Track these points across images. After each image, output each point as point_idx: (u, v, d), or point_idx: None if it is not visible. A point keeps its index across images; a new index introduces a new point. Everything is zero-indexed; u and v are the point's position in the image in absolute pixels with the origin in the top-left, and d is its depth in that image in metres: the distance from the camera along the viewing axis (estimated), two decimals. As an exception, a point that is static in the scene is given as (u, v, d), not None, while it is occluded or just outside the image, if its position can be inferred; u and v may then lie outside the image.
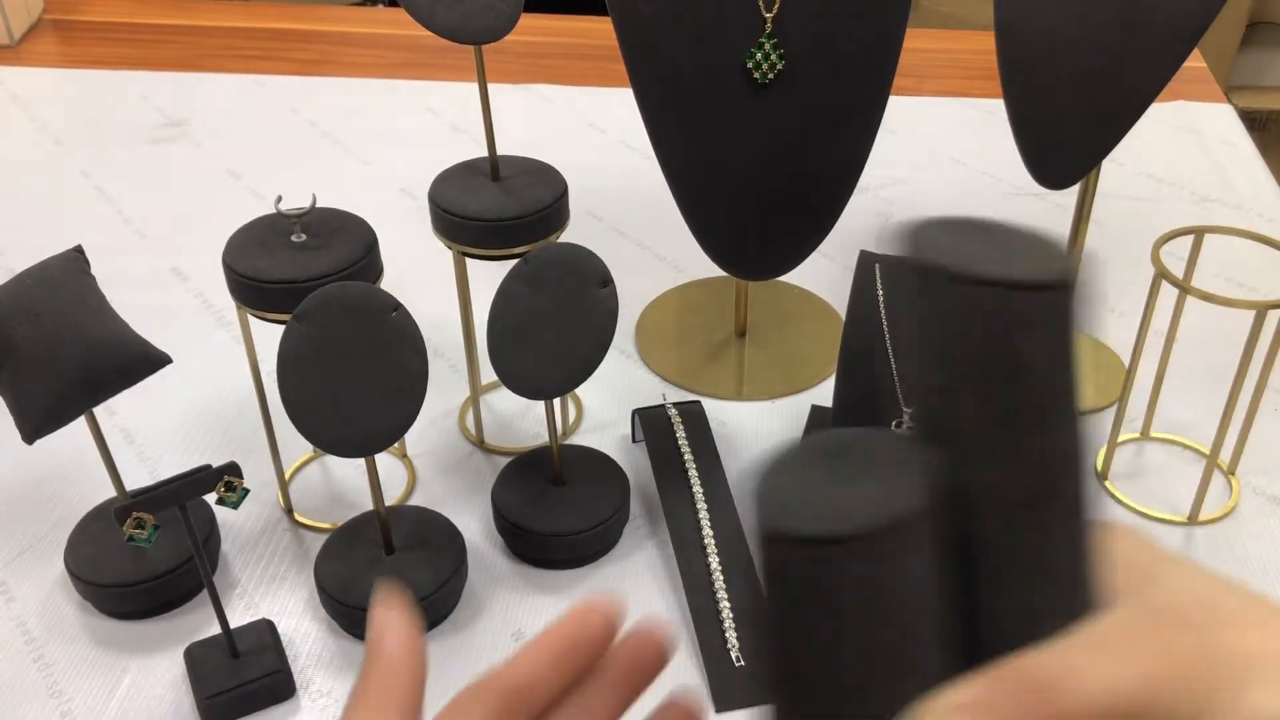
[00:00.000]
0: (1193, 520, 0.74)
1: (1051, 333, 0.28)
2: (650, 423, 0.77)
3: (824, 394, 0.85)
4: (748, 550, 0.70)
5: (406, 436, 0.77)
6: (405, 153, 1.15)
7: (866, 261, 0.76)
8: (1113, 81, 0.71)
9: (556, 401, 0.73)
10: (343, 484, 0.78)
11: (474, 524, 0.75)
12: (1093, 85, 0.71)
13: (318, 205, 0.69)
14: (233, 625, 0.65)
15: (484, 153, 0.74)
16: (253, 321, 0.69)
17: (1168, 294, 0.71)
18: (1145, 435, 0.81)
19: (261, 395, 0.73)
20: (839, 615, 0.27)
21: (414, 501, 0.77)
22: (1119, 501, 0.76)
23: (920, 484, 0.28)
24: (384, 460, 0.79)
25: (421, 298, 0.72)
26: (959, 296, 0.28)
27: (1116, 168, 1.10)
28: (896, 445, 0.30)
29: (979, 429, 0.29)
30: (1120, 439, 0.79)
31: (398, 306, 0.63)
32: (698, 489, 0.73)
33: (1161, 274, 0.69)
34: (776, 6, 0.71)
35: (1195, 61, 1.29)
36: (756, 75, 0.72)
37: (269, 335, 0.65)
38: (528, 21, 0.75)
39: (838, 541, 0.26)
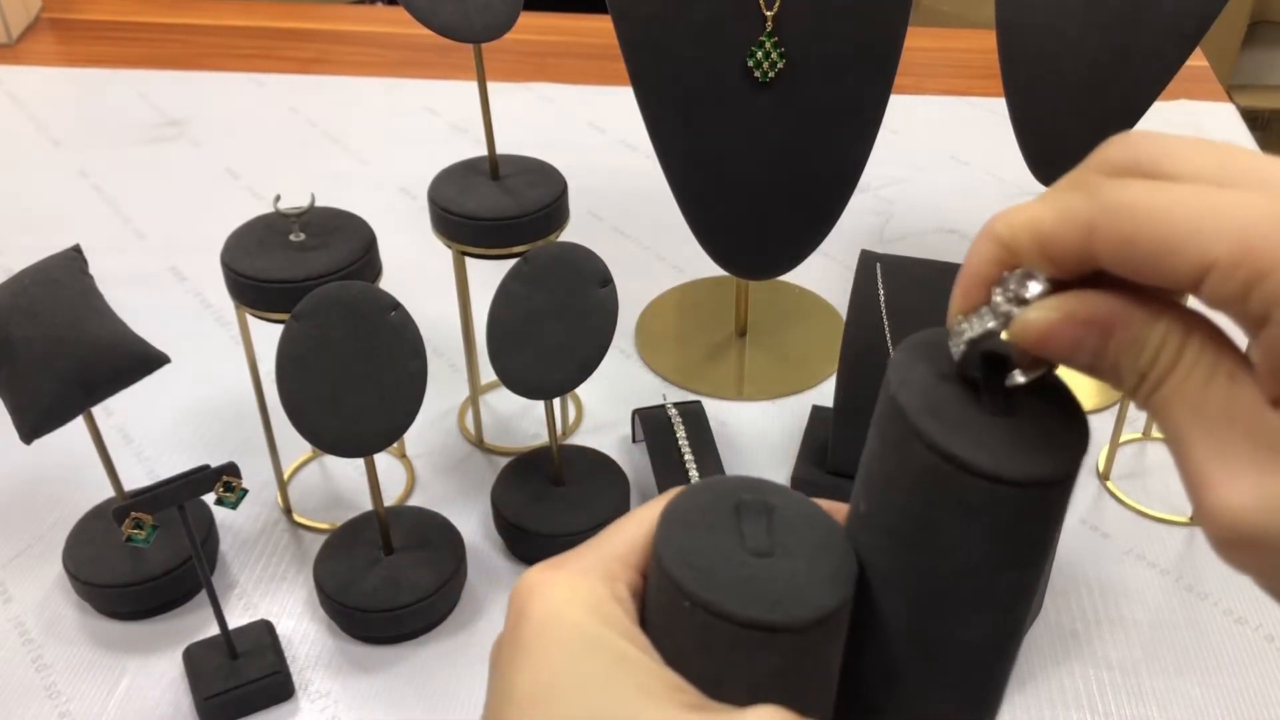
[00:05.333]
0: (1194, 521, 0.74)
1: (995, 526, 0.26)
2: (650, 423, 0.76)
3: (824, 394, 0.85)
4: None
5: (406, 436, 0.77)
6: (404, 152, 1.15)
7: (867, 261, 0.76)
8: (1114, 80, 0.71)
9: (556, 401, 0.73)
10: (342, 484, 0.78)
11: (473, 524, 0.74)
12: (1094, 84, 0.71)
13: (316, 204, 0.69)
14: (231, 626, 0.64)
15: (483, 152, 0.74)
16: (251, 321, 0.69)
17: (1170, 294, 0.71)
18: (1147, 435, 0.81)
19: (260, 395, 0.72)
20: (752, 689, 0.27)
21: (413, 502, 0.77)
22: (1120, 501, 0.76)
23: (847, 574, 0.28)
24: (383, 460, 0.79)
25: (421, 297, 0.72)
26: (919, 459, 0.27)
27: (1118, 167, 1.10)
28: (803, 511, 0.30)
29: (886, 572, 0.29)
30: (1122, 439, 0.78)
31: (397, 306, 0.62)
32: (698, 489, 0.73)
33: (1163, 273, 0.69)
34: (777, 5, 0.70)
35: (1197, 60, 1.29)
36: (757, 74, 0.72)
37: (268, 335, 0.65)
38: (528, 20, 0.74)
39: (772, 629, 0.27)
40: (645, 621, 0.30)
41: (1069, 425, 0.27)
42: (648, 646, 0.29)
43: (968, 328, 0.27)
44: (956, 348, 0.27)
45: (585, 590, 0.30)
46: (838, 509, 0.32)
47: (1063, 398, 0.28)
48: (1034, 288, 0.26)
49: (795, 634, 0.27)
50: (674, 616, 0.28)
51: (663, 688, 0.27)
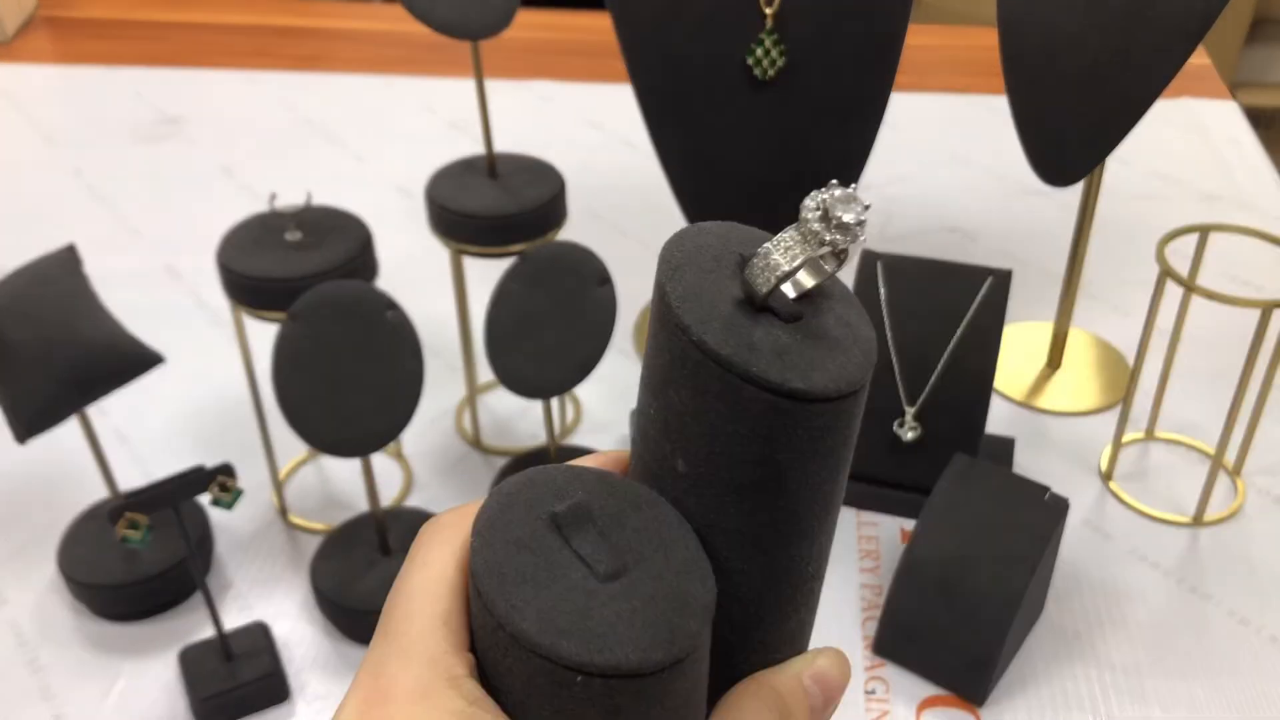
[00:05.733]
0: (1197, 521, 0.74)
1: (836, 440, 0.26)
2: (649, 423, 0.76)
3: (825, 393, 0.84)
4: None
5: (403, 437, 0.76)
6: (402, 150, 1.14)
7: (868, 260, 0.75)
8: (1116, 78, 0.70)
9: (555, 401, 0.73)
10: (338, 485, 0.78)
11: (471, 525, 0.74)
12: (1096, 82, 0.71)
13: (313, 203, 0.68)
14: (227, 627, 0.64)
15: (481, 150, 0.74)
16: (247, 320, 0.68)
17: (1173, 293, 0.70)
18: (1150, 435, 0.80)
19: (256, 395, 0.72)
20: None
21: (411, 502, 0.76)
22: (1124, 502, 0.75)
23: (705, 580, 0.26)
24: (380, 461, 0.79)
25: (418, 297, 0.72)
26: (754, 403, 0.25)
27: (1121, 165, 1.09)
28: (621, 496, 0.28)
29: (726, 526, 0.27)
30: (1125, 439, 0.78)
31: (394, 305, 0.62)
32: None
33: (1166, 272, 0.68)
34: (777, 2, 0.70)
35: (1199, 58, 1.28)
36: (756, 72, 0.71)
37: (264, 334, 0.65)
38: (526, 17, 0.74)
39: (635, 676, 0.24)
40: (481, 671, 0.27)
41: (862, 326, 0.27)
42: None
43: (781, 260, 0.26)
44: (763, 277, 0.26)
45: (440, 715, 0.25)
46: (612, 460, 0.30)
47: (846, 298, 0.28)
48: (856, 210, 0.25)
49: (674, 665, 0.25)
50: (535, 682, 0.25)
51: None
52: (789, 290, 0.27)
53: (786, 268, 0.26)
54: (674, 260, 0.27)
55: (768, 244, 0.26)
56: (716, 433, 0.26)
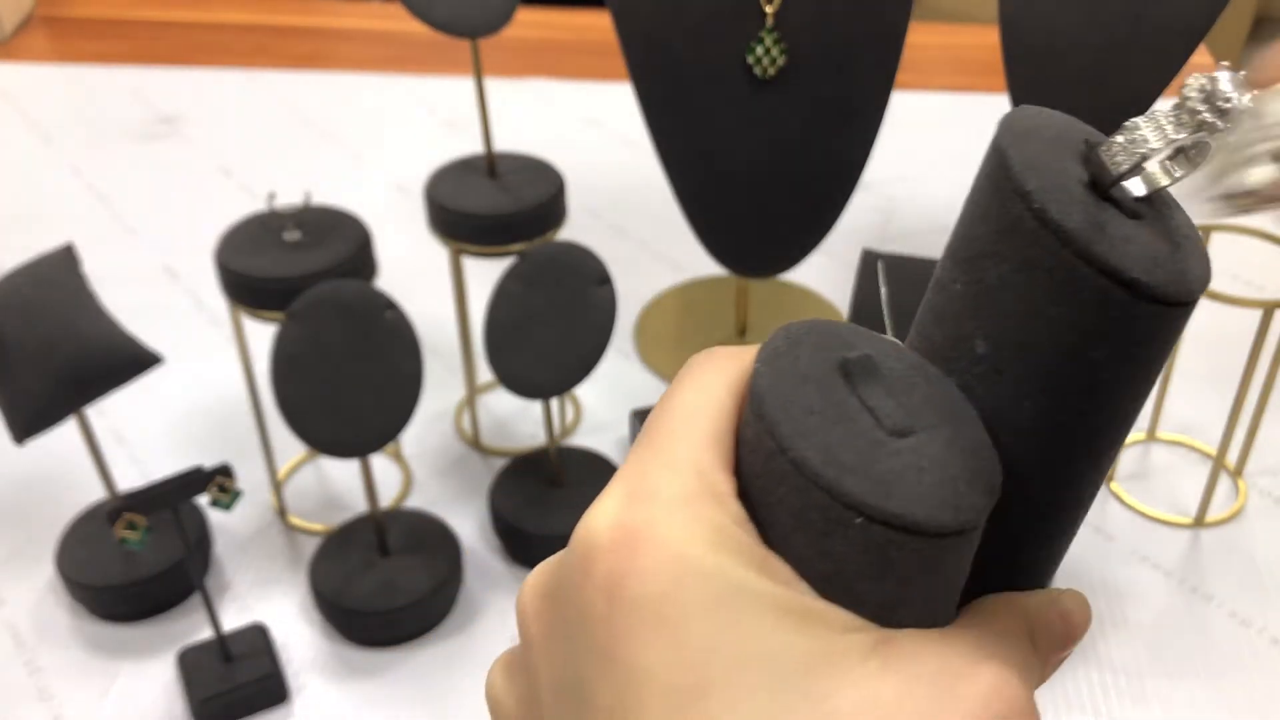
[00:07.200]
0: (1199, 522, 0.74)
1: (1158, 349, 0.24)
2: (649, 423, 0.76)
3: (825, 393, 0.84)
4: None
5: (402, 437, 0.76)
6: (401, 149, 1.14)
7: (869, 260, 0.75)
8: (1118, 77, 0.70)
9: (554, 402, 0.72)
10: (337, 486, 0.77)
11: (471, 526, 0.74)
12: (1098, 80, 0.70)
13: (311, 202, 0.68)
14: (226, 629, 0.64)
15: (480, 149, 0.73)
16: (245, 320, 0.68)
17: (1174, 293, 0.70)
18: (1151, 436, 0.80)
19: (254, 395, 0.72)
20: (895, 585, 0.23)
21: (410, 503, 0.76)
22: (1125, 503, 0.75)
23: (992, 464, 0.24)
24: (379, 461, 0.78)
25: (417, 296, 0.71)
26: (1087, 285, 0.23)
27: (1120, 164, 1.09)
28: (914, 379, 0.26)
29: (1017, 424, 0.25)
30: (1126, 440, 0.78)
31: (392, 305, 0.62)
32: (698, 490, 0.72)
33: (1168, 272, 0.68)
34: (778, 0, 0.70)
35: (1201, 57, 1.28)
36: (757, 71, 0.71)
37: (262, 334, 0.65)
38: (525, 15, 0.74)
39: (918, 533, 0.23)
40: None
41: (1199, 241, 0.25)
42: (791, 577, 0.23)
43: (1150, 136, 0.24)
44: (1126, 153, 0.24)
45: (704, 524, 0.23)
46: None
47: (1185, 212, 0.26)
48: (1246, 97, 0.23)
49: (955, 535, 0.23)
50: (807, 517, 0.23)
51: (848, 646, 0.22)
52: (1138, 187, 0.25)
53: (1155, 144, 0.24)
54: (1017, 128, 0.25)
55: (1138, 119, 0.24)
56: (1032, 314, 0.24)
